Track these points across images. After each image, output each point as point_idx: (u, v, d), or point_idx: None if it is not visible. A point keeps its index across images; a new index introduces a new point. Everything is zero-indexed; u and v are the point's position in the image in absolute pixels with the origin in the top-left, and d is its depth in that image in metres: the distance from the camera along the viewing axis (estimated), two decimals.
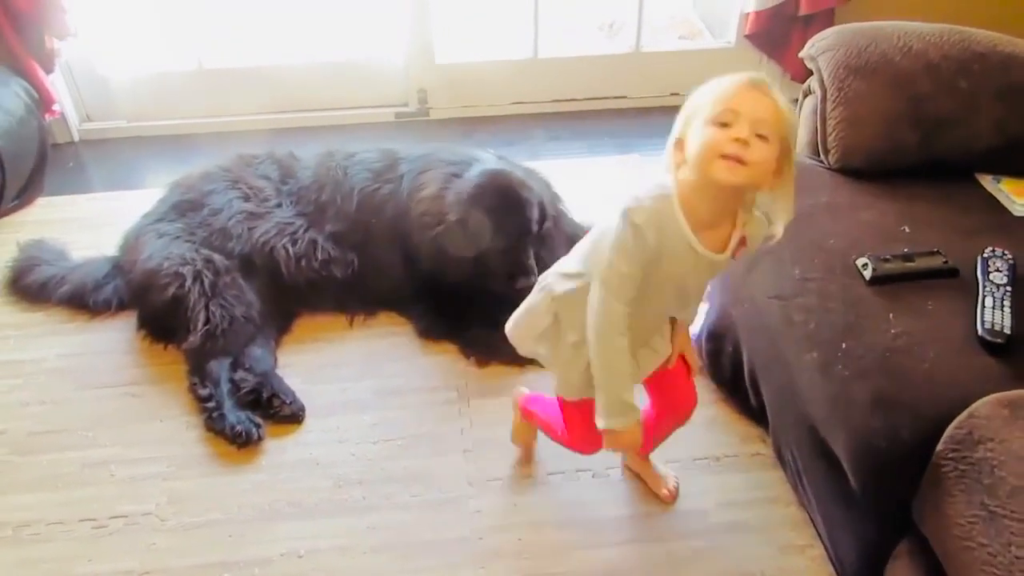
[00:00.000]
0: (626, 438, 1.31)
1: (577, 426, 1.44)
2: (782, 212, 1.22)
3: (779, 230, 1.23)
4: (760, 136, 1.11)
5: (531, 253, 1.93)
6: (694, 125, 1.15)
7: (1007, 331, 1.27)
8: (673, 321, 1.42)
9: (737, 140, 1.10)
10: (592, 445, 1.43)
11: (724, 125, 1.12)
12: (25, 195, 2.55)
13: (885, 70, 1.63)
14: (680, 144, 1.18)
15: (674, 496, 1.65)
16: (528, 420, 1.64)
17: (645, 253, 1.18)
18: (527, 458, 1.72)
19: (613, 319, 1.22)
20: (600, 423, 1.29)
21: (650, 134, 2.83)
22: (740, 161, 1.11)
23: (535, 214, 1.94)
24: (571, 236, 2.07)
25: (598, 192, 2.45)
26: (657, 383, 1.49)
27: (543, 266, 1.72)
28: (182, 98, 2.90)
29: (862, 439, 1.22)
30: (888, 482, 1.22)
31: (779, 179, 1.17)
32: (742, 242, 1.24)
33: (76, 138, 2.89)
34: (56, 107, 2.71)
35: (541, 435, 1.66)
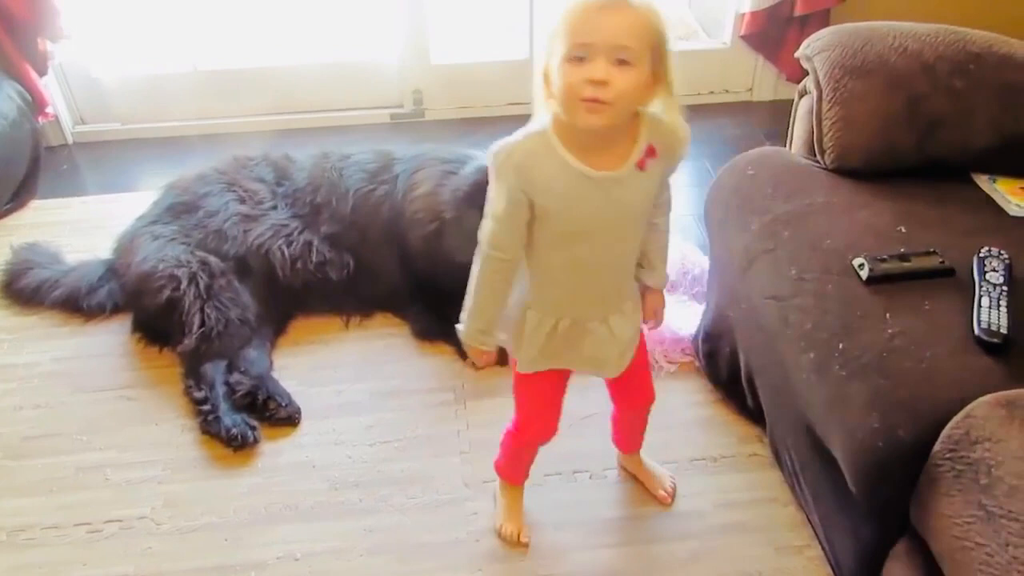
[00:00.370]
0: (474, 353, 1.33)
1: (526, 403, 1.45)
2: (677, 126, 1.18)
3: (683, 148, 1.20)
4: (622, 61, 1.04)
5: None
6: (555, 49, 1.07)
7: (1004, 331, 1.26)
8: (646, 290, 1.39)
9: (593, 81, 1.04)
10: (541, 424, 1.46)
11: (580, 59, 1.05)
12: (18, 198, 2.54)
13: (881, 70, 1.63)
14: (547, 77, 1.11)
15: (672, 496, 1.65)
16: (502, 472, 1.62)
17: (512, 193, 1.14)
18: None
19: (489, 266, 1.21)
20: (462, 337, 1.31)
21: None
22: (601, 102, 1.05)
23: None
24: None
25: None
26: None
27: None
28: (176, 100, 2.89)
29: (859, 439, 1.22)
30: (885, 482, 1.22)
31: (660, 87, 1.12)
32: (651, 152, 1.17)
33: (70, 141, 2.88)
34: (49, 110, 2.70)
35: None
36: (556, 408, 1.45)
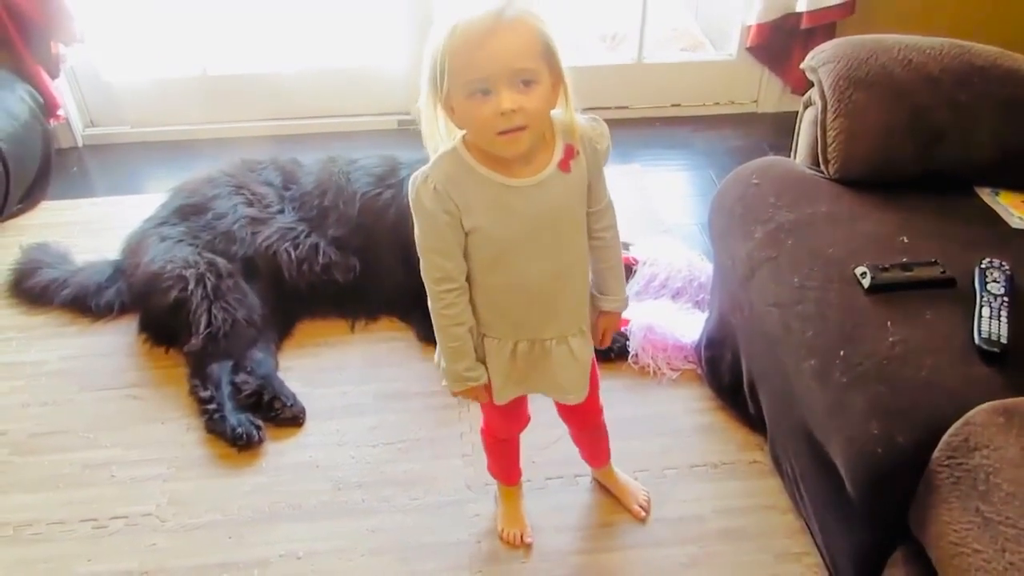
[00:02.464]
0: (472, 393, 1.32)
1: (488, 408, 1.44)
2: (589, 123, 1.16)
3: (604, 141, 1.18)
4: (525, 82, 1.02)
5: None
6: (450, 85, 1.04)
7: (1004, 340, 1.27)
8: (602, 313, 1.34)
9: (504, 113, 1.02)
10: (507, 424, 1.48)
11: (482, 93, 1.02)
12: (29, 199, 2.57)
13: (885, 82, 1.65)
14: (445, 102, 1.08)
15: (647, 511, 1.63)
16: (494, 474, 1.63)
17: (437, 218, 1.12)
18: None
19: (441, 303, 1.19)
20: (450, 388, 1.30)
21: (651, 144, 2.85)
22: (517, 130, 1.04)
23: None
24: None
25: None
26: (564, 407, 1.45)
27: None
28: (185, 104, 2.92)
29: (859, 446, 1.23)
30: (884, 489, 1.23)
31: (558, 86, 1.09)
32: (570, 152, 1.14)
33: (80, 143, 2.91)
34: (61, 112, 2.73)
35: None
36: (520, 406, 1.44)
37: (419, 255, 1.18)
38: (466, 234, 1.15)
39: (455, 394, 1.33)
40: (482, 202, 1.12)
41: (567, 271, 1.24)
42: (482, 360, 1.29)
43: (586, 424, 1.55)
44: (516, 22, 1.01)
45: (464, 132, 1.12)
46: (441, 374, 1.31)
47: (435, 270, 1.17)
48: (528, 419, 1.50)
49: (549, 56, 1.05)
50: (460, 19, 1.02)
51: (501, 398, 1.33)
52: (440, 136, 1.13)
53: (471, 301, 1.23)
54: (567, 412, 1.50)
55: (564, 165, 1.14)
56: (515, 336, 1.26)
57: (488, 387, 1.31)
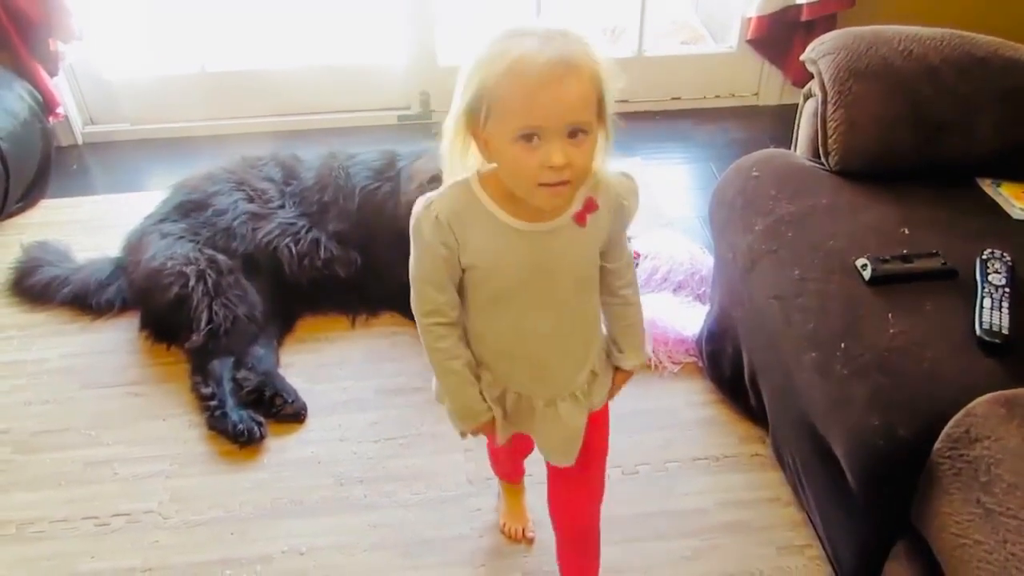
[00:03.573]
0: (482, 429, 1.21)
1: (490, 447, 1.45)
2: (623, 178, 1.08)
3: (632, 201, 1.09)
4: (578, 132, 0.94)
5: None
6: (494, 122, 0.95)
7: (1005, 331, 1.27)
8: (619, 371, 1.23)
9: (553, 168, 0.93)
10: (507, 454, 1.44)
11: (528, 138, 0.93)
12: (29, 197, 2.56)
13: (885, 74, 1.64)
14: (477, 132, 0.98)
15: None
16: (495, 471, 1.58)
17: (435, 250, 1.03)
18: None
19: (433, 337, 1.10)
20: (457, 427, 1.21)
21: (652, 138, 2.84)
22: (563, 184, 0.95)
23: None
24: None
25: None
26: (552, 477, 1.30)
27: None
28: (185, 102, 2.91)
29: (860, 438, 1.23)
30: (886, 480, 1.23)
31: (603, 134, 1.00)
32: (591, 205, 1.05)
33: (79, 141, 2.91)
34: (60, 110, 2.73)
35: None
36: (523, 438, 1.28)
37: (411, 283, 1.09)
38: (463, 270, 1.07)
39: (465, 434, 1.22)
40: (483, 239, 1.04)
41: (566, 329, 1.13)
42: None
43: (574, 525, 1.34)
44: (580, 66, 0.92)
45: (488, 165, 1.03)
46: (449, 415, 1.22)
47: (426, 302, 1.09)
48: (532, 447, 1.34)
49: (601, 104, 0.97)
50: (520, 52, 0.92)
51: (502, 438, 1.21)
52: (460, 164, 1.04)
53: (467, 335, 1.14)
54: (556, 511, 1.35)
55: (580, 218, 1.05)
56: (505, 383, 1.17)
57: (493, 422, 1.19)
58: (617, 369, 1.24)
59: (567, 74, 0.91)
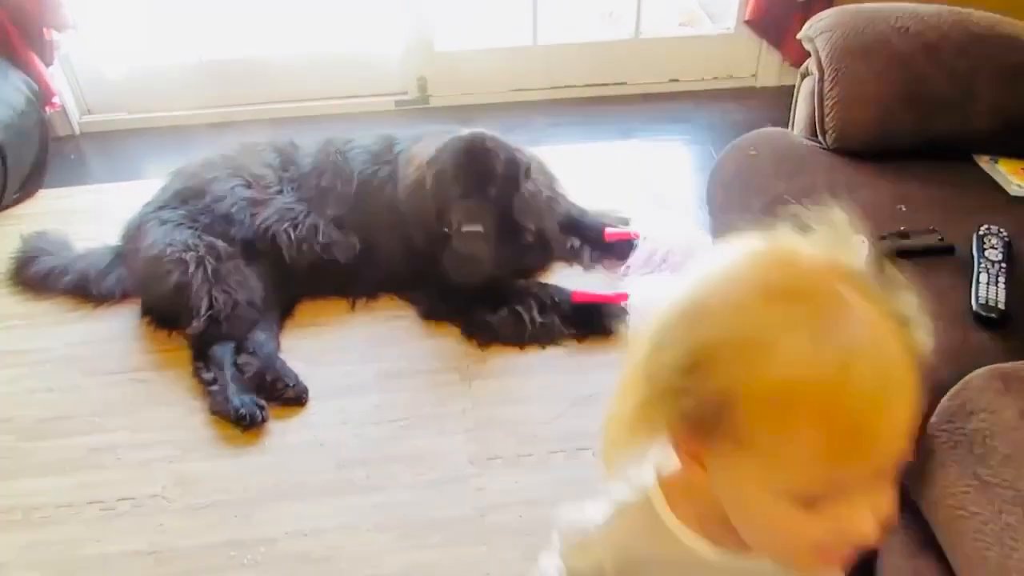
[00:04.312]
0: None
1: None
2: None
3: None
4: (886, 471, 0.60)
5: (491, 206, 1.95)
6: (743, 456, 0.60)
7: (1001, 306, 1.27)
8: None
9: (859, 536, 0.60)
10: None
11: (814, 498, 0.59)
12: (27, 188, 2.56)
13: (882, 51, 1.64)
14: (687, 443, 0.65)
15: None
16: None
17: None
18: None
19: None
20: None
21: (650, 120, 2.83)
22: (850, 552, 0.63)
23: (500, 164, 1.95)
24: (567, 217, 2.16)
25: (598, 177, 2.48)
26: None
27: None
28: (182, 90, 2.91)
29: None
30: None
31: None
32: None
33: (77, 131, 2.90)
34: (56, 100, 2.72)
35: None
36: None
37: None
38: None
39: None
40: (661, 571, 0.75)
41: None
42: None
43: None
44: (913, 372, 0.59)
45: (670, 465, 0.71)
46: None
47: None
48: None
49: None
50: (850, 346, 0.56)
51: None
52: (628, 465, 0.76)
53: None
54: None
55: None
56: None
57: None
58: None
59: (903, 390, 0.58)
